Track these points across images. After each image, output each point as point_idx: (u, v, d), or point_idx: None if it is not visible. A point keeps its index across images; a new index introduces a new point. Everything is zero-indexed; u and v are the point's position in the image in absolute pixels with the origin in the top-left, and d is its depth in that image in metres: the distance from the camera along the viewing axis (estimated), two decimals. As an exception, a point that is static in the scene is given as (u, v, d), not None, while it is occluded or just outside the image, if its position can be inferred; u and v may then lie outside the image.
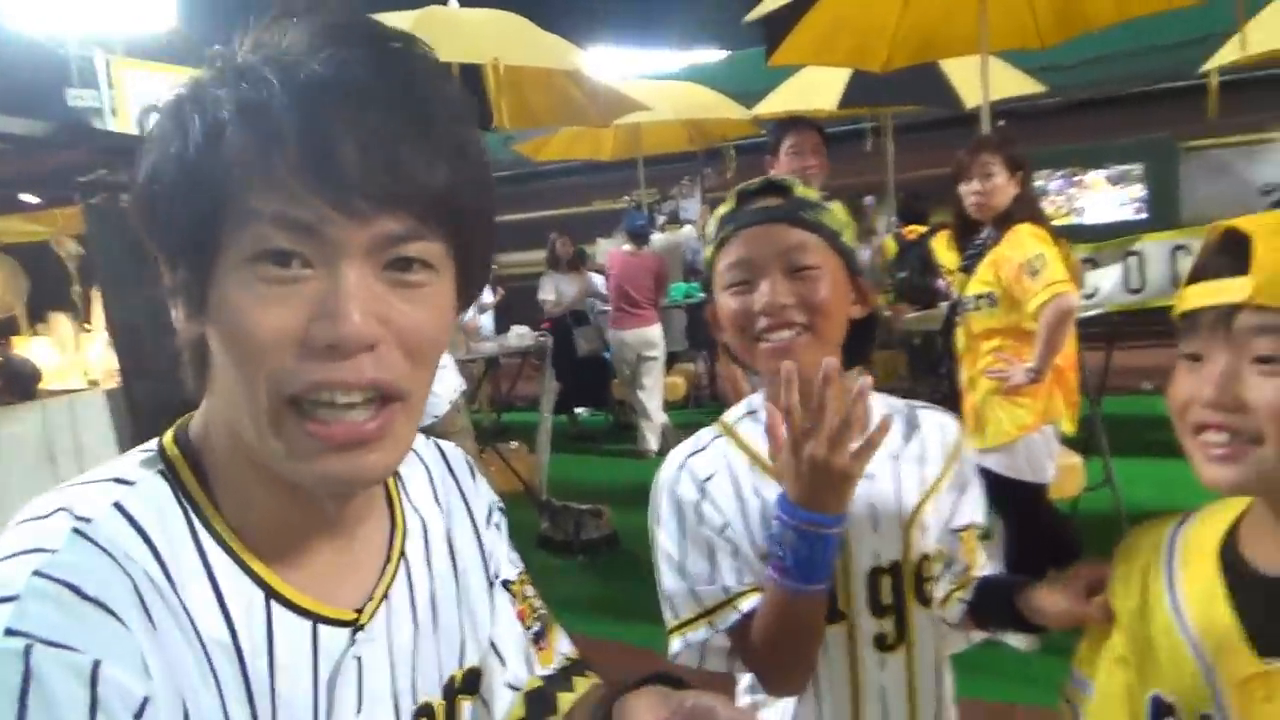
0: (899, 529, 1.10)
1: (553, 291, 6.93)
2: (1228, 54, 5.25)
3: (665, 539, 1.10)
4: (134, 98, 4.47)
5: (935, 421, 1.18)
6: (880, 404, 1.17)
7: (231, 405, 0.58)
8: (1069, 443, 3.46)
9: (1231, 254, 0.78)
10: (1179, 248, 5.22)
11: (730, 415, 1.17)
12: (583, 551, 4.38)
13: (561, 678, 0.83)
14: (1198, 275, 0.81)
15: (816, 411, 0.91)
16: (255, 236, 0.54)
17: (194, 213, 0.54)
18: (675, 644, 1.08)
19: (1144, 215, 8.64)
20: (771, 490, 1.06)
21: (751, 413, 1.16)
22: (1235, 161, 9.35)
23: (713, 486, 1.09)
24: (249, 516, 0.61)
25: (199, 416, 0.63)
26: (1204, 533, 0.88)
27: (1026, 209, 2.94)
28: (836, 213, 1.10)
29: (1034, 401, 2.89)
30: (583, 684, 0.84)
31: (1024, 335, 2.88)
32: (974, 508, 1.18)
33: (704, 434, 1.16)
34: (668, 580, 1.08)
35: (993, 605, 1.13)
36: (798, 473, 0.93)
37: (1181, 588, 0.87)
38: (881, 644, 1.09)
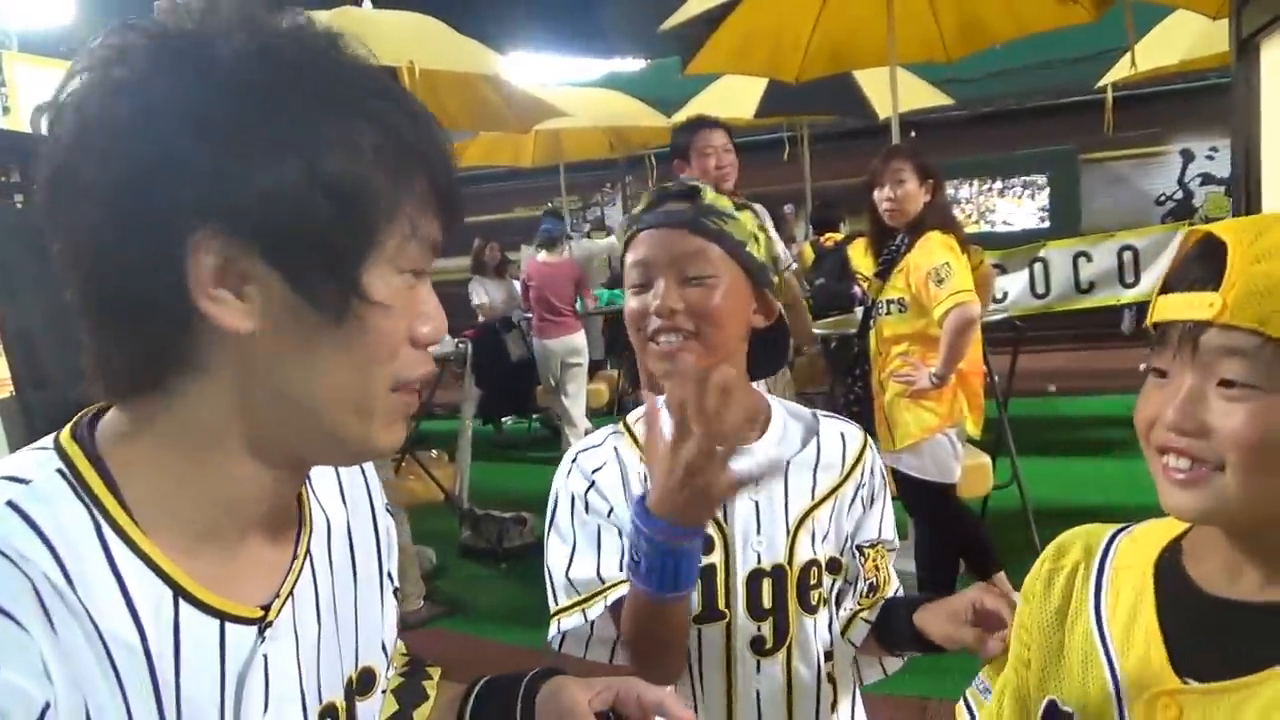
0: (784, 533, 1.09)
1: (485, 296, 6.87)
2: (1119, 71, 5.51)
3: (555, 531, 1.12)
4: (29, 95, 4.28)
5: (836, 430, 1.17)
6: (781, 410, 1.17)
7: (287, 390, 0.59)
8: (978, 443, 3.58)
9: (1206, 263, 0.71)
10: (1080, 254, 5.46)
11: (633, 415, 1.18)
12: (506, 559, 4.34)
13: (416, 668, 0.88)
14: (1170, 284, 0.74)
15: (708, 418, 0.86)
16: (412, 253, 0.61)
17: (350, 225, 0.58)
18: (551, 629, 1.09)
19: (1047, 224, 9.04)
20: None
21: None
22: (1131, 172, 9.85)
23: (601, 476, 1.11)
24: (165, 515, 0.59)
25: (120, 413, 0.61)
26: (1144, 543, 0.84)
27: (938, 216, 3.05)
28: (744, 223, 1.10)
29: (939, 405, 3.00)
30: (435, 671, 0.89)
31: (931, 341, 2.98)
32: (883, 524, 1.17)
33: (601, 432, 1.18)
34: (554, 569, 1.11)
35: (895, 626, 1.13)
36: (668, 474, 0.88)
37: (1109, 595, 0.83)
38: (759, 648, 1.08)
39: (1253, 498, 0.69)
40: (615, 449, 1.13)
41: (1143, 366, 0.78)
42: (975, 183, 9.43)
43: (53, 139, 0.56)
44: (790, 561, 1.09)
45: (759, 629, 1.08)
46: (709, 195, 1.10)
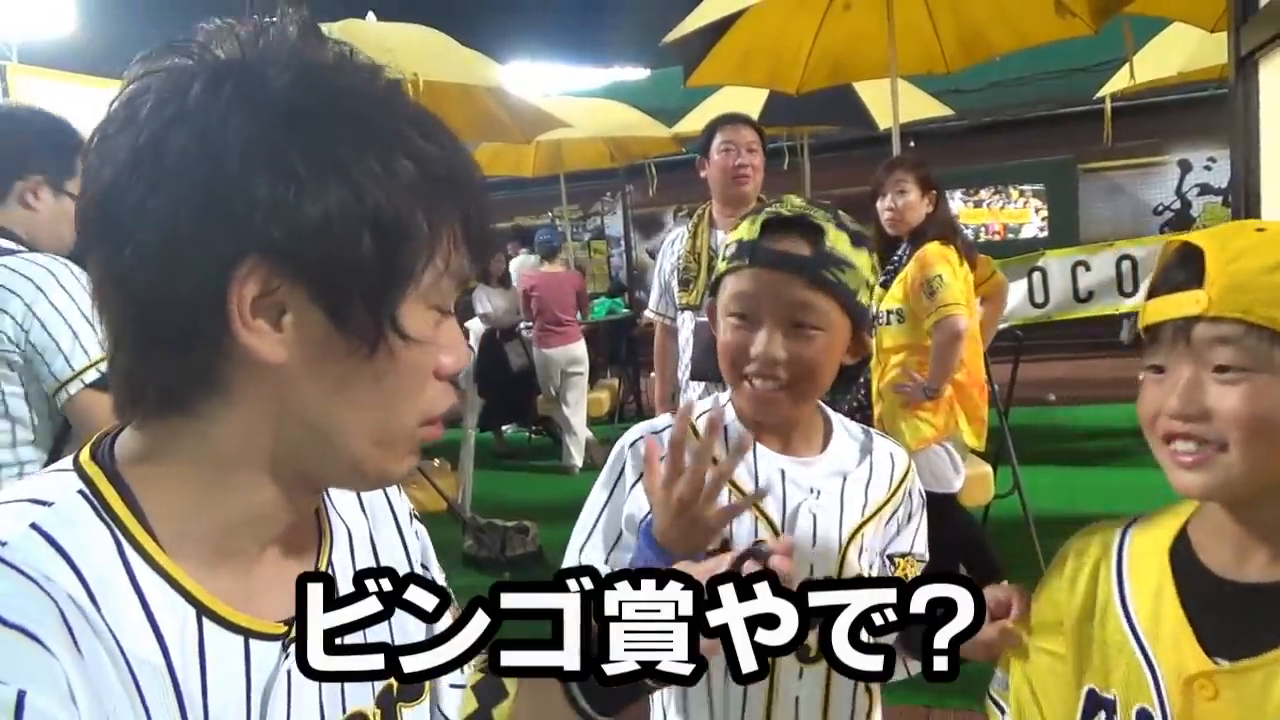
0: (837, 547, 1.11)
1: (488, 304, 6.88)
2: (1118, 82, 5.54)
3: (593, 500, 1.14)
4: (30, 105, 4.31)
5: (887, 451, 1.19)
6: (840, 428, 1.19)
7: (313, 419, 0.60)
8: (979, 452, 3.59)
9: (1186, 268, 0.80)
10: (1079, 264, 5.48)
11: (695, 409, 1.16)
12: (509, 569, 4.34)
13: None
14: (1156, 290, 0.83)
15: (696, 456, 0.92)
16: (444, 290, 0.62)
17: (391, 260, 0.58)
18: None
19: (1045, 233, 9.07)
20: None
21: (718, 407, 1.15)
22: (1130, 182, 9.89)
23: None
24: (186, 534, 0.60)
25: (139, 433, 0.62)
26: (1154, 534, 0.90)
27: (938, 228, 3.06)
28: (860, 269, 1.06)
29: (934, 416, 3.01)
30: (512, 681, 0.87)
31: (927, 352, 3.00)
32: (914, 539, 1.20)
33: (665, 418, 1.17)
34: (575, 535, 1.13)
35: (914, 633, 1.16)
36: (663, 507, 0.94)
37: (1131, 586, 0.89)
38: (804, 656, 1.09)
39: (1255, 470, 0.77)
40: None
41: (1141, 376, 0.85)
42: (975, 191, 9.47)
43: (100, 162, 0.56)
44: (840, 575, 1.10)
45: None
46: (830, 235, 1.05)
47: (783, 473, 1.12)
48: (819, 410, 1.19)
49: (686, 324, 3.09)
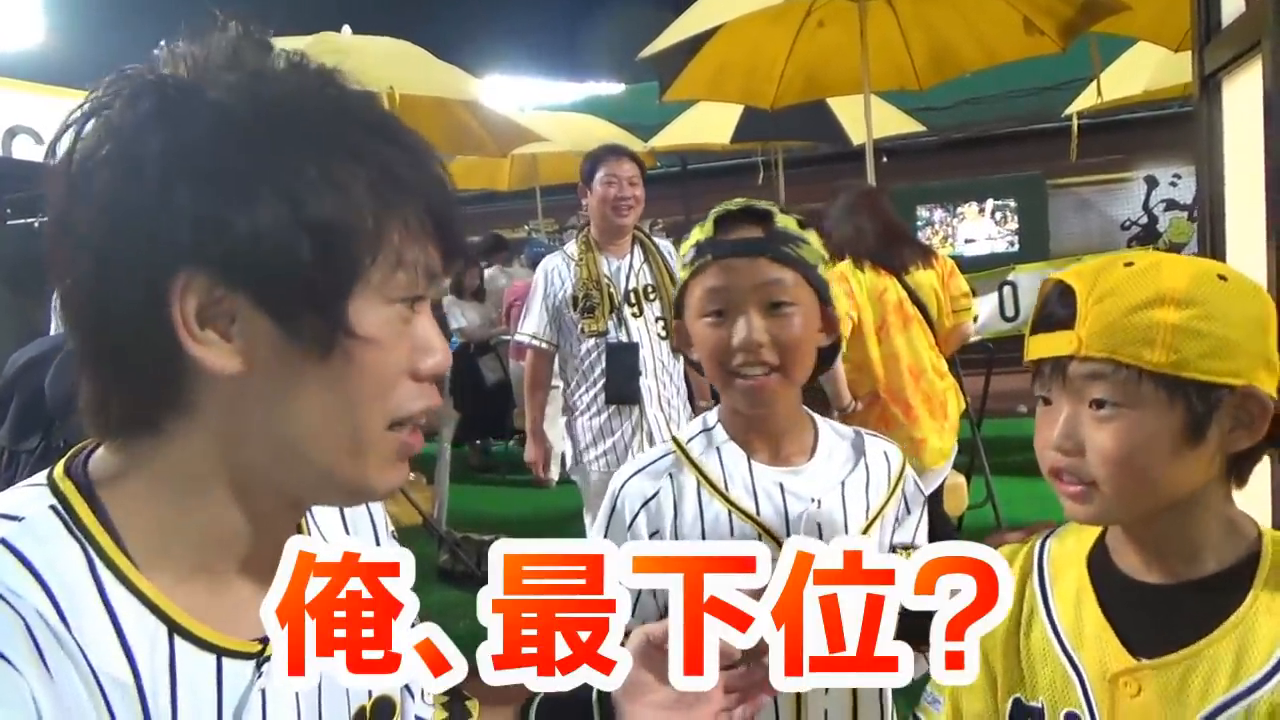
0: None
1: (463, 319, 6.84)
2: (1085, 100, 5.65)
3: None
4: (-3, 115, 4.26)
5: (880, 449, 1.19)
6: (828, 430, 1.18)
7: (277, 429, 0.59)
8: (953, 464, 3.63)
9: (1062, 305, 0.82)
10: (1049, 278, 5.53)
11: (684, 432, 1.18)
12: (485, 583, 4.31)
13: (456, 700, 0.86)
14: (1036, 326, 0.86)
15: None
16: (401, 281, 0.60)
17: (333, 261, 0.57)
18: None
19: (1016, 248, 9.19)
20: (715, 512, 1.09)
21: (706, 430, 1.16)
22: (1098, 198, 10.06)
23: (653, 506, 1.11)
24: (159, 551, 0.59)
25: (112, 449, 0.61)
26: (1072, 544, 0.93)
27: (834, 244, 3.07)
28: (814, 244, 1.10)
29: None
30: (474, 707, 0.87)
31: (859, 368, 3.06)
32: (914, 531, 1.20)
33: (656, 450, 1.17)
34: None
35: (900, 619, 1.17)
36: None
37: (1054, 594, 0.91)
38: None
39: (1129, 502, 0.82)
40: (670, 475, 1.13)
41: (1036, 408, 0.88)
42: (945, 207, 9.58)
43: (52, 190, 0.57)
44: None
45: None
46: (780, 218, 1.09)
47: (781, 485, 1.11)
48: (804, 412, 1.18)
49: (591, 351, 3.08)
